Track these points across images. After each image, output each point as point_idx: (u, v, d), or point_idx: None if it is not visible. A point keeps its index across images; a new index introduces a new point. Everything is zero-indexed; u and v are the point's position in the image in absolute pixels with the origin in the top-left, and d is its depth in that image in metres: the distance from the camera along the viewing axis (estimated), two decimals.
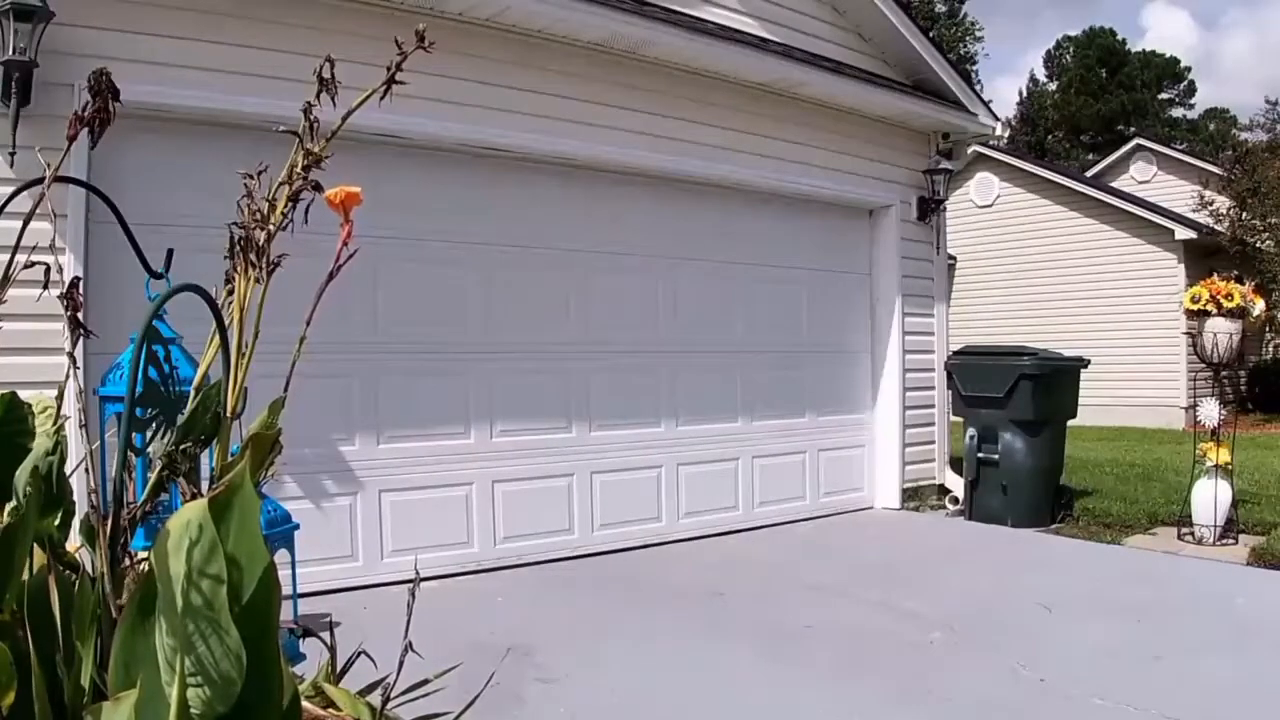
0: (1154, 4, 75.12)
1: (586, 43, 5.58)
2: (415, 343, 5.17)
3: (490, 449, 5.41)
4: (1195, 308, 6.21)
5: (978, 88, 11.08)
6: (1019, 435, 6.77)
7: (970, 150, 10.05)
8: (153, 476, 1.16)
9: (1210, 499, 6.02)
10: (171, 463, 1.15)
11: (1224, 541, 5.98)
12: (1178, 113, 42.41)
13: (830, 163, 6.96)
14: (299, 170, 1.16)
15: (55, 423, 1.26)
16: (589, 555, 5.67)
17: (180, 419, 1.19)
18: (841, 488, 7.21)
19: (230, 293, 1.19)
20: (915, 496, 7.43)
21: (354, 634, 1.78)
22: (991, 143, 16.21)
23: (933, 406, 7.61)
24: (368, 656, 1.47)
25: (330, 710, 1.29)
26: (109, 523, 1.09)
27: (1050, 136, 40.61)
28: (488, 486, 5.38)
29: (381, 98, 1.20)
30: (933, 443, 7.61)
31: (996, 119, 8.14)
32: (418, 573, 1.40)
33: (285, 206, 1.16)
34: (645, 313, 6.16)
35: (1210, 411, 6.20)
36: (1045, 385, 6.80)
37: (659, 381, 6.19)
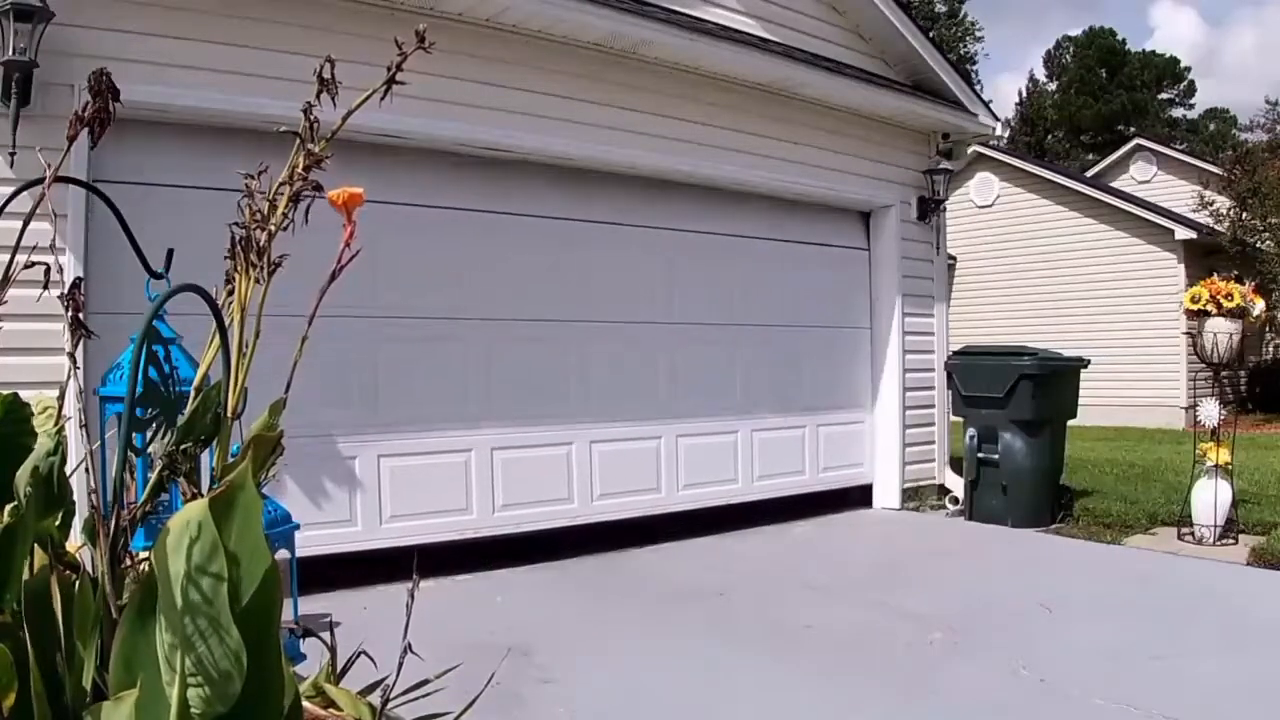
0: (1161, 2, 75.09)
1: (586, 43, 5.57)
2: (415, 310, 5.14)
3: (490, 414, 5.39)
4: (1195, 308, 6.21)
5: (977, 88, 11.07)
6: (1019, 435, 6.76)
7: (970, 150, 10.03)
8: (153, 476, 1.16)
9: (1210, 499, 6.01)
10: (172, 463, 1.15)
11: (1224, 542, 5.97)
12: (1178, 113, 42.42)
13: (830, 163, 6.95)
14: (300, 171, 1.16)
15: (56, 423, 1.26)
16: (588, 524, 5.66)
17: (180, 419, 1.19)
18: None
19: (230, 293, 1.19)
20: (915, 496, 7.42)
21: (354, 633, 1.79)
22: (991, 143, 16.20)
23: (933, 406, 7.60)
24: (368, 657, 1.47)
25: (331, 710, 1.29)
26: (110, 523, 1.09)
27: (1050, 136, 40.61)
28: (486, 454, 5.38)
29: (382, 98, 1.20)
30: (933, 443, 7.61)
31: (996, 119, 8.13)
32: (417, 577, 1.40)
33: (286, 207, 1.17)
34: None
35: (1210, 411, 6.20)
36: (1045, 385, 6.79)
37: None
